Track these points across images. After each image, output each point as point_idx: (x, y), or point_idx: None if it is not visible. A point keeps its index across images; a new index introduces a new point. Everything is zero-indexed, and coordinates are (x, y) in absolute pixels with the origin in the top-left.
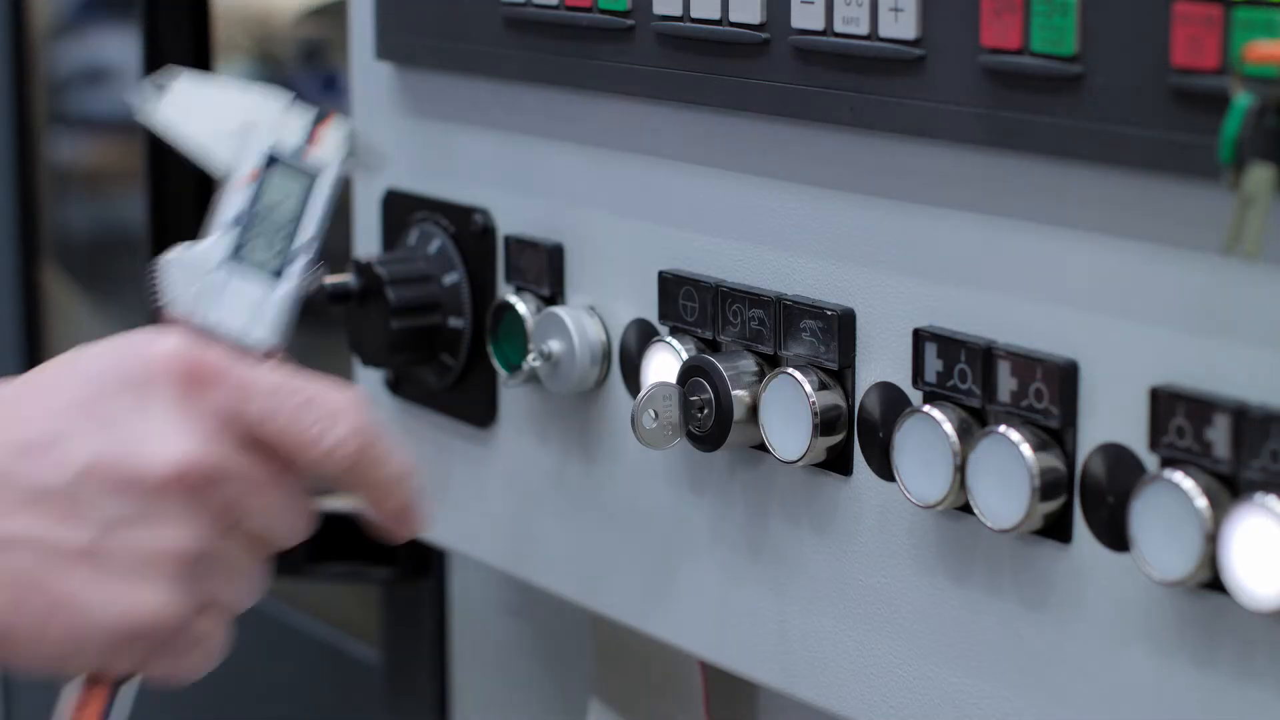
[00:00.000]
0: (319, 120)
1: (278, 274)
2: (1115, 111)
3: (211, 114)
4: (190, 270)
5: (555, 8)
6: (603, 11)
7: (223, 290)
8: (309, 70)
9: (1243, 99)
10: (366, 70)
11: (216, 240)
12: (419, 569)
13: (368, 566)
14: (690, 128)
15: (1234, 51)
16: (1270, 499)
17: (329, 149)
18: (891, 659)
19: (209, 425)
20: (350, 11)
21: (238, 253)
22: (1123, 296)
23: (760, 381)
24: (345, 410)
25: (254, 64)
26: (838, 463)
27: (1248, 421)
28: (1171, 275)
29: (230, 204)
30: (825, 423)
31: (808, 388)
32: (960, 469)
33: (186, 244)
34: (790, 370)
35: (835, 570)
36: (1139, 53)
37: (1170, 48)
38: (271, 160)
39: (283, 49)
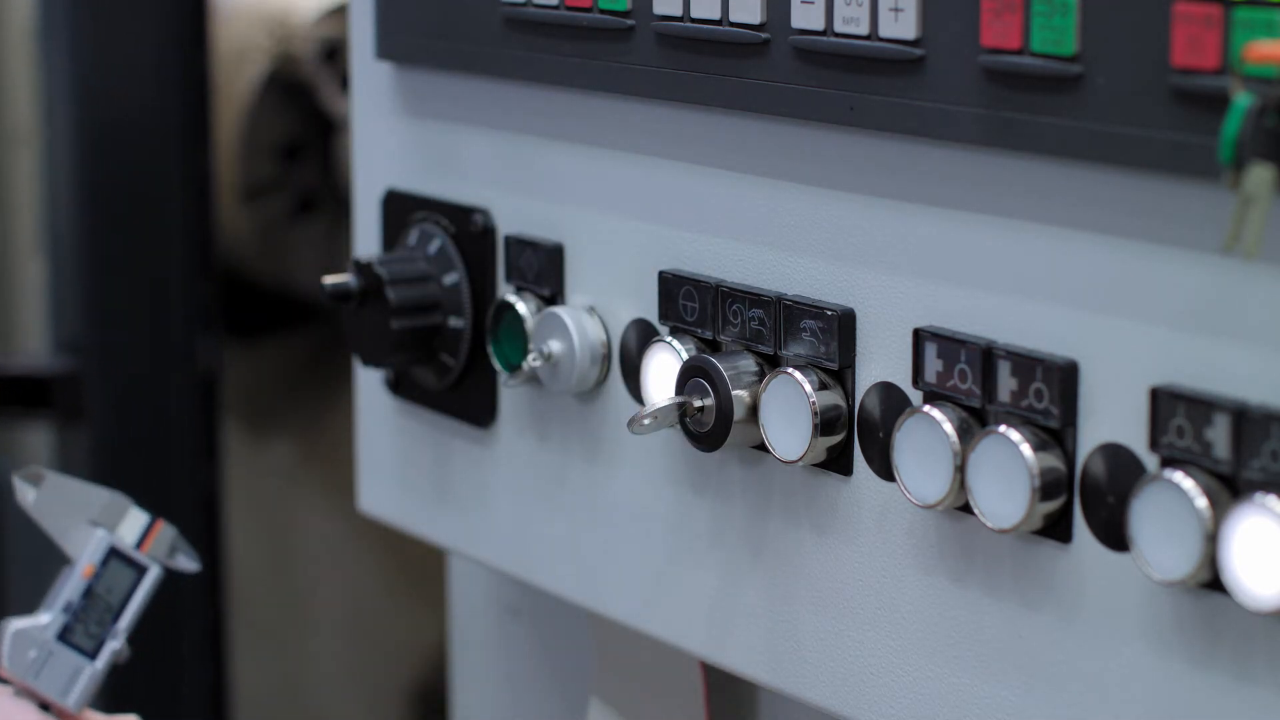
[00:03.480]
0: (150, 525)
1: (93, 655)
2: (1115, 111)
3: (70, 508)
4: (27, 641)
5: (555, 8)
6: (603, 11)
7: (48, 661)
8: (328, 69)
9: (1243, 99)
10: (366, 70)
11: (52, 619)
12: None
13: None
14: (690, 128)
15: (1234, 51)
16: (1270, 499)
17: (158, 550)
18: (892, 659)
19: None
20: (350, 11)
21: (65, 634)
22: (1123, 296)
23: (760, 381)
24: None
25: (274, 63)
26: (838, 463)
27: (1247, 421)
28: (1171, 275)
29: (69, 589)
30: (825, 423)
31: (808, 388)
32: (960, 469)
33: (29, 616)
34: (790, 370)
35: (835, 570)
36: (1139, 53)
37: (1170, 48)
38: (110, 554)
39: (302, 48)
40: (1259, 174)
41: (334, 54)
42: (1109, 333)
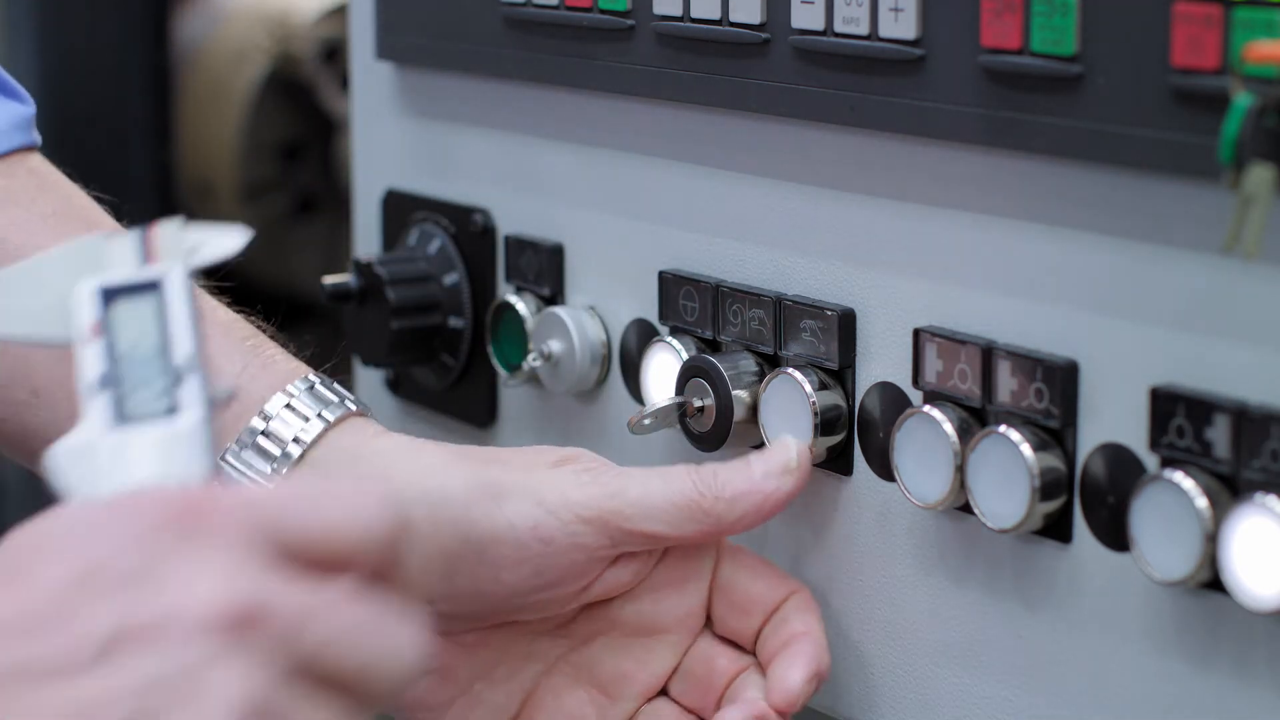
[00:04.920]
0: (145, 234)
1: (172, 410)
2: (1115, 111)
3: (29, 299)
4: (82, 455)
5: (555, 8)
6: (603, 11)
7: (123, 456)
8: (328, 69)
9: (1243, 99)
10: (366, 70)
11: (91, 413)
12: None
13: None
14: (690, 128)
15: (1234, 51)
16: (1270, 499)
17: (166, 253)
18: (891, 659)
19: (230, 555)
20: (350, 11)
21: (120, 413)
22: (1123, 296)
23: (760, 381)
24: (362, 491)
25: (274, 63)
26: (838, 462)
27: (1248, 421)
28: (1171, 275)
29: (88, 368)
30: (825, 423)
31: (808, 388)
32: (960, 469)
33: (69, 434)
34: (790, 370)
35: (835, 570)
36: (1139, 53)
37: (1170, 48)
38: (108, 298)
39: (302, 48)
40: (1259, 174)
41: (334, 54)
42: (1109, 333)
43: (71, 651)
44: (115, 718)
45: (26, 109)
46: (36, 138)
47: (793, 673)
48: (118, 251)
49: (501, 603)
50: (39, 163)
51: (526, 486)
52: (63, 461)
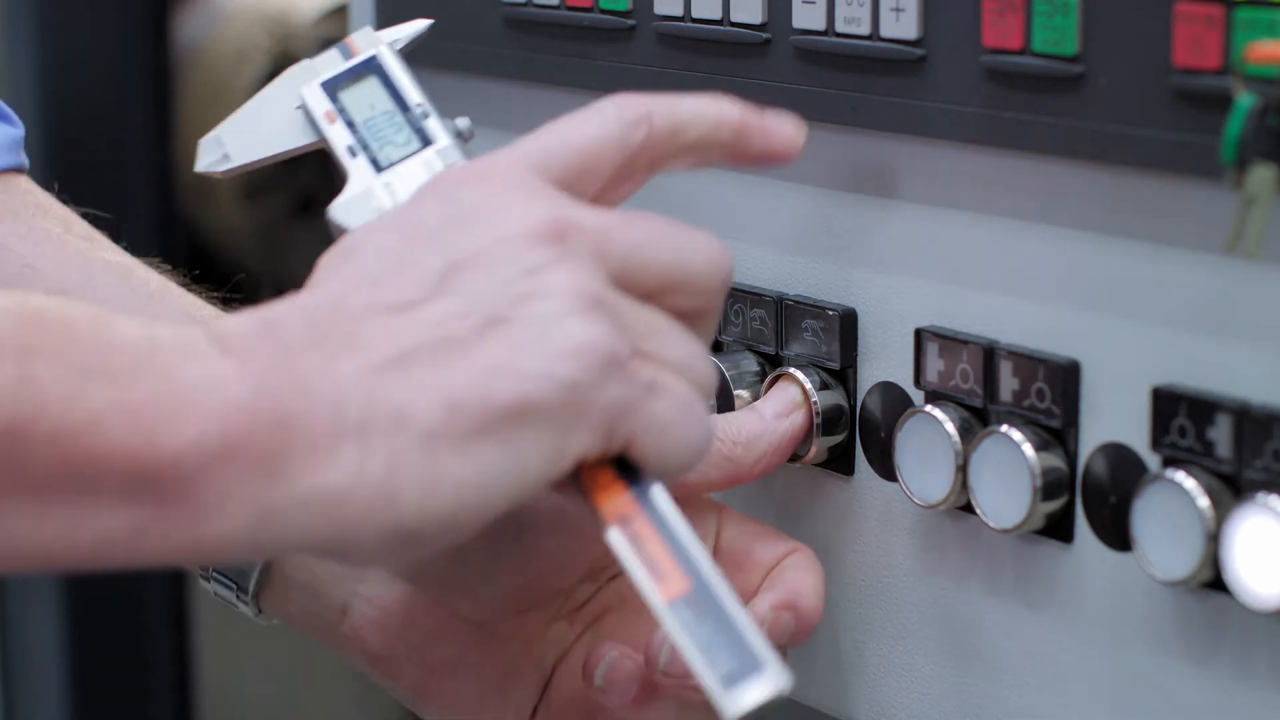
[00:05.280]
0: (344, 42)
1: (425, 142)
2: (1117, 112)
3: (267, 123)
4: (358, 199)
5: (555, 8)
6: (603, 11)
7: (395, 187)
8: None
9: (1245, 99)
10: None
11: (354, 176)
12: None
13: None
14: None
15: (1236, 52)
16: (1272, 499)
17: (365, 48)
18: (892, 659)
19: (524, 189)
20: (350, 11)
21: (378, 163)
22: (1124, 296)
23: (762, 381)
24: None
25: (274, 63)
26: (839, 462)
27: (1249, 421)
28: (1173, 275)
29: (337, 143)
30: (827, 422)
31: (809, 387)
32: (962, 469)
33: (336, 199)
34: (792, 370)
35: (836, 570)
36: (1141, 53)
37: (1172, 48)
38: (332, 90)
39: (302, 48)
40: (1261, 174)
41: None
42: (1111, 333)
43: (415, 287)
44: (468, 327)
45: (16, 131)
46: (25, 160)
47: (759, 603)
48: (324, 60)
49: (542, 575)
50: (33, 187)
51: None
52: (341, 214)
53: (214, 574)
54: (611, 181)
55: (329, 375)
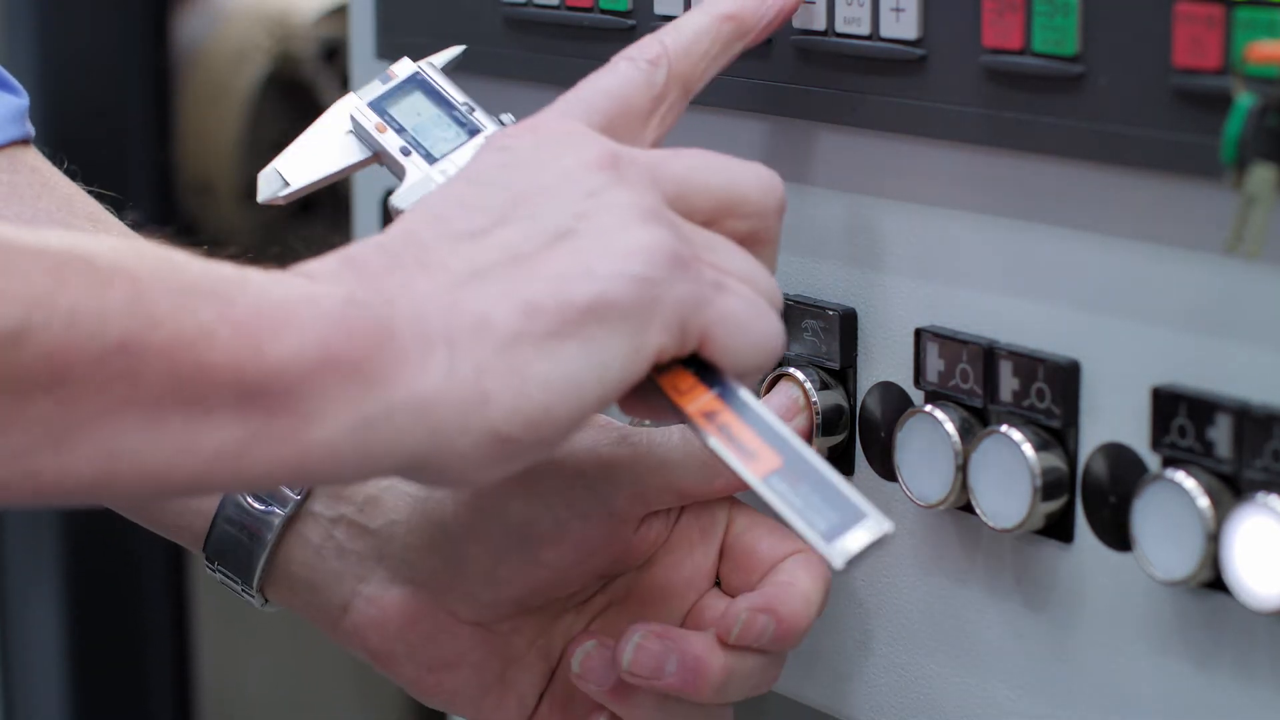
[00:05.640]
0: (386, 70)
1: (472, 132)
2: (1117, 112)
3: (320, 147)
4: (416, 186)
5: (555, 8)
6: (603, 11)
7: (451, 174)
8: (328, 69)
9: (1245, 99)
10: (367, 70)
11: (410, 170)
12: None
13: None
14: (690, 128)
15: (1236, 52)
16: (1272, 499)
17: (406, 69)
18: (892, 659)
19: (575, 133)
20: (350, 11)
21: (431, 155)
22: (1124, 296)
23: (761, 382)
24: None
25: (274, 63)
26: (839, 463)
27: (1250, 421)
28: (1173, 275)
29: (390, 147)
30: (827, 422)
31: (809, 387)
32: (962, 468)
33: (396, 190)
34: (792, 370)
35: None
36: (1141, 53)
37: (1172, 48)
38: (379, 106)
39: (302, 48)
40: (1261, 174)
41: (334, 54)
42: (1110, 333)
43: (482, 217)
44: (537, 244)
45: (21, 100)
46: (30, 129)
47: (739, 603)
48: (368, 90)
49: (543, 584)
50: (38, 160)
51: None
52: (402, 201)
53: (219, 568)
54: (651, 120)
55: (410, 293)
